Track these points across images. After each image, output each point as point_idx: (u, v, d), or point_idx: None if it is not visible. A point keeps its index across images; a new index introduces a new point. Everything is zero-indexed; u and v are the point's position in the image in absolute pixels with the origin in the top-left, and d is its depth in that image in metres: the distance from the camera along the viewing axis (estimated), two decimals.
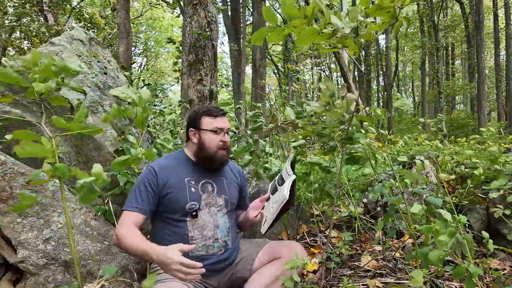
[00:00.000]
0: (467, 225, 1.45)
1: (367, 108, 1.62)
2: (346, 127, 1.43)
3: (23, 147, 0.87)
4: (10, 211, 1.23)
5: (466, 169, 2.38)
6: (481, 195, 2.23)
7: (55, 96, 1.22)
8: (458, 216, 1.36)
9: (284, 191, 1.38)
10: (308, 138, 2.06)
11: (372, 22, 1.08)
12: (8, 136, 1.29)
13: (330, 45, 1.15)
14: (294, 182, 1.43)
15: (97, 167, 0.95)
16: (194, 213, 1.44)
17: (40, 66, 0.99)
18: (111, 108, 1.01)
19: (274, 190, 1.55)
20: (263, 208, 1.56)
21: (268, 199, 1.57)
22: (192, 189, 1.48)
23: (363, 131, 1.75)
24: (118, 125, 2.15)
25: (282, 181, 1.52)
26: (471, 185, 2.23)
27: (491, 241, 1.36)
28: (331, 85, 1.36)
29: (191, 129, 1.56)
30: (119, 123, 2.17)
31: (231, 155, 3.10)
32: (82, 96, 1.97)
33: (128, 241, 1.31)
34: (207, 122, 1.52)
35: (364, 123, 1.72)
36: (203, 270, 1.22)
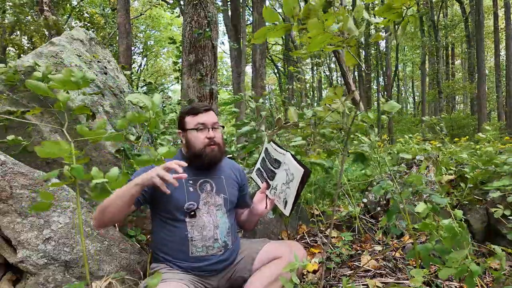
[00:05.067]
0: (463, 220, 1.46)
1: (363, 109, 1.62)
2: (348, 128, 1.43)
3: (44, 147, 0.91)
4: (29, 210, 1.25)
5: (465, 169, 2.38)
6: (478, 197, 2.23)
7: (79, 106, 1.28)
8: (455, 210, 1.36)
9: (297, 166, 1.37)
10: (309, 138, 2.07)
11: (378, 22, 1.09)
12: (10, 137, 1.31)
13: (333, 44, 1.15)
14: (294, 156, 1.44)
15: (114, 171, 0.99)
16: (193, 213, 1.43)
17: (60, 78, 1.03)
18: (127, 115, 1.06)
19: (272, 175, 1.54)
20: (267, 198, 1.54)
21: (269, 186, 1.55)
22: (191, 188, 1.47)
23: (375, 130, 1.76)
24: None
25: (278, 163, 1.51)
26: (470, 185, 2.23)
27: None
28: (339, 91, 1.36)
29: (179, 131, 1.56)
30: None
31: (230, 154, 3.09)
32: (84, 97, 1.97)
33: (105, 202, 1.28)
34: (190, 121, 1.50)
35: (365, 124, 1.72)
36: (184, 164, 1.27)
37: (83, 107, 1.34)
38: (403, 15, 1.03)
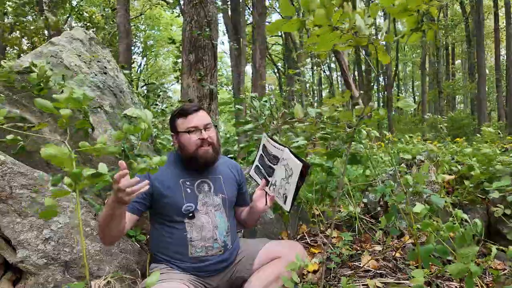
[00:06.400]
0: (463, 220, 1.46)
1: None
2: (354, 128, 1.43)
3: (47, 149, 0.94)
4: (40, 216, 1.26)
5: (465, 169, 2.38)
6: (480, 196, 2.22)
7: (81, 121, 1.37)
8: (455, 210, 1.36)
9: (295, 161, 1.37)
10: (313, 137, 2.06)
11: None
12: (9, 137, 1.31)
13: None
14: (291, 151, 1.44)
15: (102, 166, 1.01)
16: (191, 214, 1.43)
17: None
18: (123, 127, 1.12)
19: (271, 171, 1.53)
20: (266, 194, 1.53)
21: (268, 183, 1.54)
22: (188, 190, 1.46)
23: (364, 132, 1.75)
24: (118, 125, 2.15)
25: (276, 159, 1.50)
26: (471, 185, 2.23)
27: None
28: (347, 95, 1.36)
29: (171, 133, 1.54)
30: (119, 122, 2.17)
31: (232, 154, 3.08)
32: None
33: (100, 224, 1.27)
34: (181, 124, 1.47)
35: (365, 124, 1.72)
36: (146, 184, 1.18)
37: (84, 121, 1.39)
38: (419, 22, 1.02)
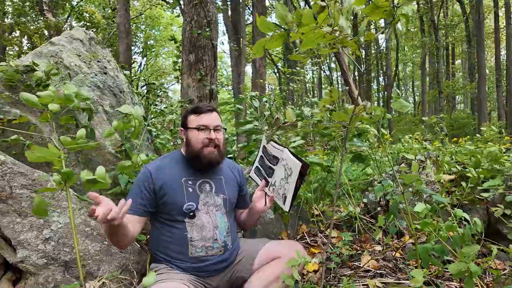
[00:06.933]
0: (462, 219, 1.46)
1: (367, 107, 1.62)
2: (347, 127, 1.43)
3: (33, 151, 0.95)
4: (33, 213, 1.27)
5: (466, 169, 2.38)
6: (478, 196, 2.22)
7: (65, 117, 1.39)
8: (455, 209, 1.36)
9: (295, 161, 1.38)
10: (309, 138, 2.06)
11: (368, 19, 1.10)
12: (13, 137, 1.32)
13: (329, 45, 1.16)
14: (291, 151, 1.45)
15: (100, 170, 1.02)
16: (192, 213, 1.43)
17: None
18: (113, 124, 1.14)
19: (270, 172, 1.54)
20: (266, 195, 1.53)
21: (267, 183, 1.55)
22: (190, 189, 1.47)
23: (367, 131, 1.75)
24: None
25: (276, 159, 1.51)
26: (470, 185, 2.23)
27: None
28: (335, 93, 1.36)
29: (180, 128, 1.57)
30: None
31: (231, 154, 3.08)
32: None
33: (107, 236, 1.30)
34: (192, 120, 1.50)
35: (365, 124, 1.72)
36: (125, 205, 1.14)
37: (69, 117, 1.43)
38: (394, 13, 1.03)
